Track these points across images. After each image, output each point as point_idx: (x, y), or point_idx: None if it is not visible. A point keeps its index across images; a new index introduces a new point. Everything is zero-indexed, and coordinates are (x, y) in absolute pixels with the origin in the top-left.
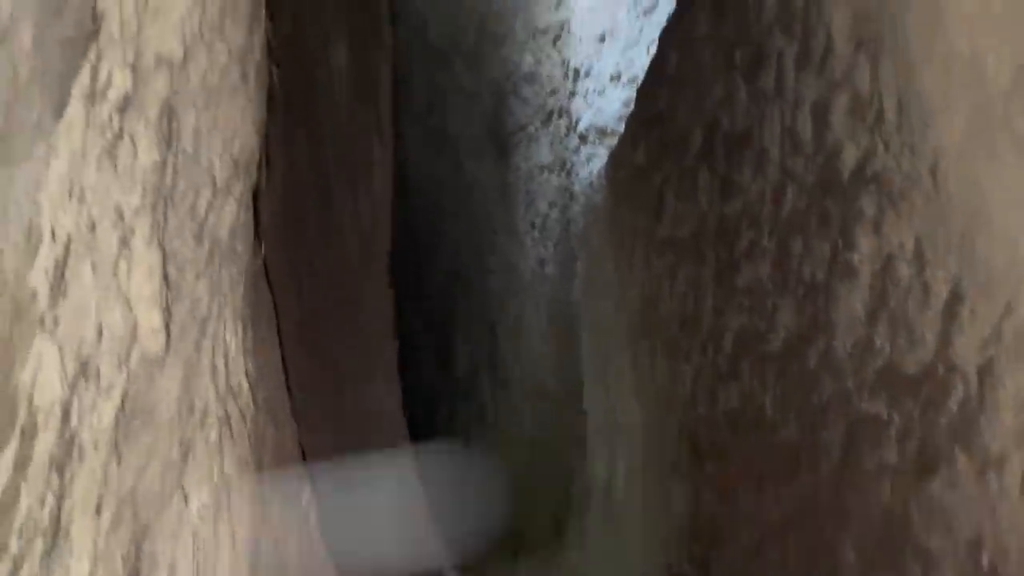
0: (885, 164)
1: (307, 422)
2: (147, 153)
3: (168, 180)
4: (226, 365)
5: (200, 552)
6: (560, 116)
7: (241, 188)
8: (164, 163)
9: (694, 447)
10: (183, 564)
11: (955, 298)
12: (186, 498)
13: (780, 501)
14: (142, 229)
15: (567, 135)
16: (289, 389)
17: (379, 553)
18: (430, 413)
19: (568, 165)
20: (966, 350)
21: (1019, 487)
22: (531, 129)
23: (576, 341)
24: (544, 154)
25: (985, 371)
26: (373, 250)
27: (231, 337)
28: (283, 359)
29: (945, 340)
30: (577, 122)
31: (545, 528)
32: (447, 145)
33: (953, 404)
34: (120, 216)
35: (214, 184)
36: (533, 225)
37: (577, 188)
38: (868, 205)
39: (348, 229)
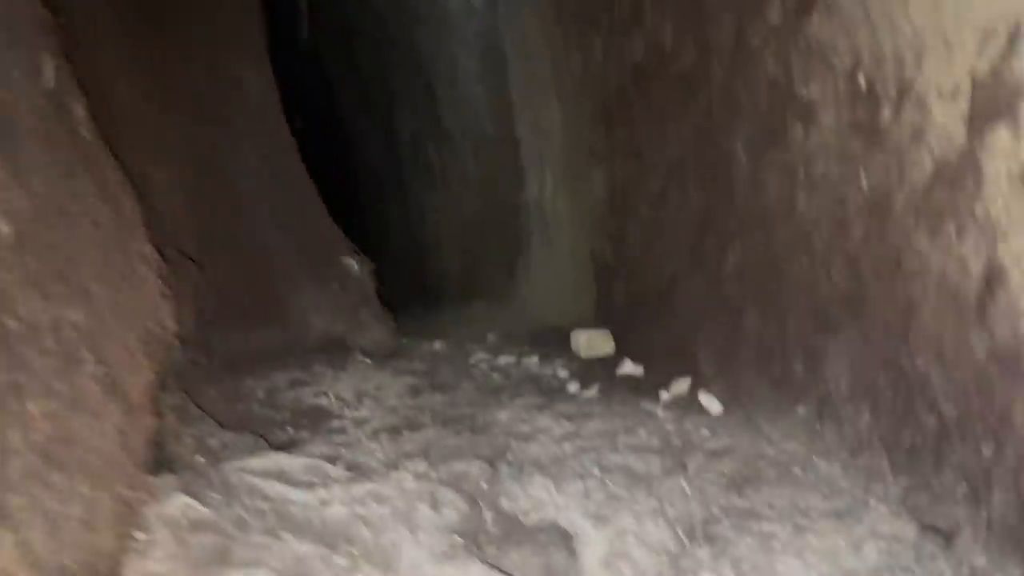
0: None
1: (133, 68)
2: None
3: None
4: None
5: None
6: None
7: None
8: None
9: (608, 121)
10: None
11: None
12: None
13: (680, 135)
14: None
15: None
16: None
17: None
18: (379, 188)
19: None
20: None
21: None
22: None
23: (507, 77)
24: None
25: None
26: None
27: None
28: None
29: None
30: None
31: (498, 271)
32: None
33: None
34: None
35: None
36: None
37: None
38: None
39: None
